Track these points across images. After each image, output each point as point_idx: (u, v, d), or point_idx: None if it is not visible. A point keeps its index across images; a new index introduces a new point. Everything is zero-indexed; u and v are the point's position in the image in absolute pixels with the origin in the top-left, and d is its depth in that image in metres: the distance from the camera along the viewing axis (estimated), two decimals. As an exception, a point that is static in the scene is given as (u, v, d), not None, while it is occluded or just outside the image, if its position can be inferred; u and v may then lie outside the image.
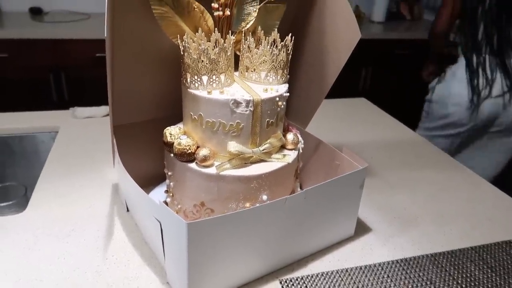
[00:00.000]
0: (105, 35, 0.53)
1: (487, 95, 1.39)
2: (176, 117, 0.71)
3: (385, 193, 0.88)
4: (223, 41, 0.60)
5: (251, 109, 0.59)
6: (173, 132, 0.64)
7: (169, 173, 0.67)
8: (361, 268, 0.67)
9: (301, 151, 0.69)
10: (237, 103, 0.58)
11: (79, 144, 1.00)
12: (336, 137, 1.12)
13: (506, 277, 0.67)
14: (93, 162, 0.93)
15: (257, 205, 0.63)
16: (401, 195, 0.87)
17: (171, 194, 0.68)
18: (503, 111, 1.42)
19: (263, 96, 0.59)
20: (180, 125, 0.69)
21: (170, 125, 0.68)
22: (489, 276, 0.67)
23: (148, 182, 0.80)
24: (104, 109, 1.18)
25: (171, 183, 0.67)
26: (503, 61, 1.37)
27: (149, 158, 0.77)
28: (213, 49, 0.58)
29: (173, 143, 0.62)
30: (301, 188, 0.80)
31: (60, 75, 2.14)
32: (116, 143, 0.69)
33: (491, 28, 1.35)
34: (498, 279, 0.66)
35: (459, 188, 0.92)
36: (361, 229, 0.76)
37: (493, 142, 1.51)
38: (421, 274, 0.66)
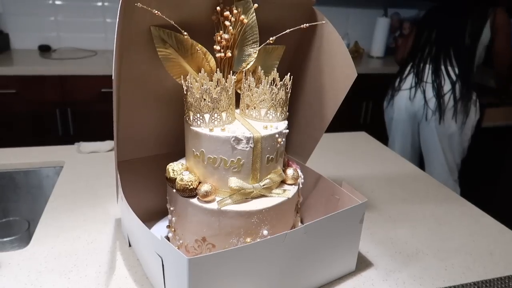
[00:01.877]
0: (113, 75, 0.56)
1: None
2: (179, 154, 0.73)
3: (386, 228, 0.88)
4: (224, 80, 0.63)
5: (252, 145, 0.61)
6: (175, 168, 0.65)
7: (171, 208, 0.68)
8: (362, 304, 0.66)
9: (301, 186, 0.70)
10: (238, 140, 0.60)
11: (83, 179, 1.02)
12: (336, 171, 1.13)
13: (510, 313, 0.66)
14: (97, 197, 0.94)
15: (258, 240, 0.64)
16: (402, 229, 0.88)
17: (173, 229, 0.69)
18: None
19: (263, 133, 0.61)
20: (183, 161, 0.70)
21: (172, 161, 0.70)
22: (493, 312, 0.66)
23: (150, 217, 0.81)
24: (108, 144, 1.20)
25: (173, 218, 0.68)
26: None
27: (151, 193, 0.78)
28: (215, 88, 0.61)
29: (176, 178, 0.64)
30: (301, 222, 0.81)
31: (66, 110, 2.19)
32: (119, 178, 0.71)
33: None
34: (501, 315, 0.66)
35: (460, 222, 0.92)
36: (362, 264, 0.76)
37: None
38: (423, 310, 0.66)
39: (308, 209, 0.83)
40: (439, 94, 1.76)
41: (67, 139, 2.23)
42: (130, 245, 0.77)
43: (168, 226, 0.72)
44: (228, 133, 0.60)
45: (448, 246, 0.83)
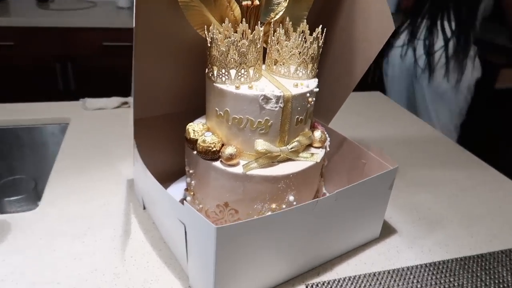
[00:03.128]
0: (134, 26, 0.50)
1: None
2: (196, 112, 0.68)
3: (407, 192, 0.85)
4: (251, 32, 0.56)
5: (281, 105, 0.56)
6: (196, 129, 0.61)
7: (191, 171, 0.64)
8: (389, 272, 0.64)
9: (328, 149, 0.66)
10: (267, 99, 0.55)
11: (91, 137, 0.97)
12: (353, 133, 1.08)
13: (540, 283, 0.64)
14: (106, 156, 0.90)
15: (283, 206, 0.60)
16: (424, 194, 0.85)
17: (192, 193, 0.65)
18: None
19: (294, 92, 0.56)
20: (203, 120, 0.66)
21: (190, 119, 0.65)
22: (522, 282, 0.64)
23: (165, 178, 0.76)
24: (115, 101, 1.14)
25: (193, 182, 0.64)
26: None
27: (167, 154, 0.74)
28: (241, 40, 0.55)
29: (197, 140, 0.59)
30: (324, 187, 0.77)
31: (66, 64, 2.11)
32: (135, 137, 0.66)
33: None
34: (532, 285, 0.64)
35: (483, 187, 0.89)
36: (386, 230, 0.73)
37: None
38: (451, 279, 0.64)
39: (330, 173, 0.79)
40: (429, 52, 1.66)
41: (68, 95, 2.16)
42: (144, 208, 0.73)
43: (186, 189, 0.68)
44: (256, 91, 0.55)
45: (473, 212, 0.80)
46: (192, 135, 0.60)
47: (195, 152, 0.61)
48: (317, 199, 0.55)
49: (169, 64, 0.65)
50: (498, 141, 2.16)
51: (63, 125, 1.05)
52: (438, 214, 0.79)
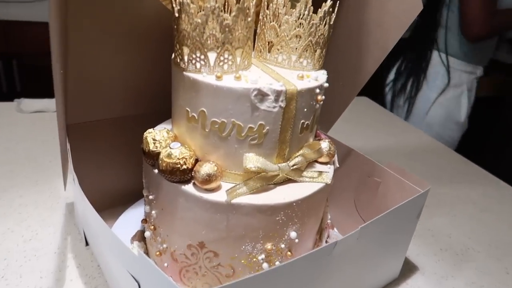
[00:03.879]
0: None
1: None
2: (157, 115, 0.50)
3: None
4: (251, 2, 0.39)
5: (282, 104, 0.39)
6: (158, 137, 0.42)
7: (150, 197, 0.45)
8: (418, 329, 0.48)
9: (337, 165, 0.49)
10: (262, 95, 0.38)
11: (23, 146, 0.76)
12: (346, 143, 0.93)
13: None
14: (41, 170, 0.69)
15: (282, 245, 0.43)
16: (440, 218, 0.70)
17: (152, 227, 0.46)
18: None
19: (300, 86, 0.39)
20: (167, 125, 0.48)
21: (147, 125, 0.46)
22: None
23: (117, 201, 0.58)
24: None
25: (153, 212, 0.45)
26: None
27: (117, 171, 0.55)
28: (222, 10, 0.37)
29: (159, 153, 0.41)
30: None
31: (11, 61, 1.86)
32: (70, 150, 0.48)
33: None
34: None
35: (502, 207, 0.76)
36: (406, 267, 0.57)
37: None
38: (497, 335, 0.49)
39: (332, 193, 0.62)
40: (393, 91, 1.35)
41: (12, 96, 1.91)
42: (87, 244, 0.54)
43: (145, 221, 0.49)
44: (247, 84, 0.38)
45: (501, 239, 0.66)
46: (151, 147, 0.42)
47: (156, 171, 0.42)
48: (336, 240, 0.38)
49: (114, 48, 0.47)
50: (484, 148, 2.10)
51: (-12, 131, 0.83)
52: (461, 243, 0.64)
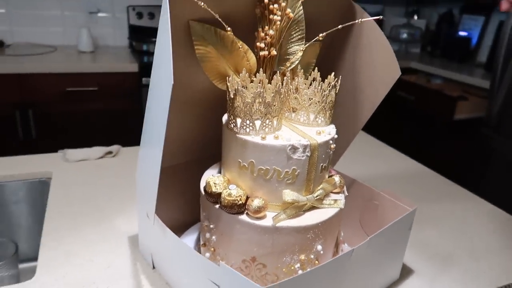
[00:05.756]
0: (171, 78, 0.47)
1: None
2: (200, 162, 0.66)
3: (413, 230, 0.85)
4: (269, 82, 0.56)
5: (308, 154, 0.55)
6: (217, 182, 0.58)
7: (211, 226, 0.60)
8: (417, 316, 0.63)
9: (346, 193, 0.65)
10: (294, 149, 0.54)
11: (78, 191, 0.91)
12: (345, 172, 1.09)
13: (558, 313, 0.66)
14: (100, 211, 0.84)
15: (311, 256, 0.58)
16: (429, 231, 0.86)
17: (212, 249, 0.61)
18: None
19: (319, 140, 0.56)
20: (214, 170, 0.63)
21: (194, 170, 0.63)
22: (542, 313, 0.66)
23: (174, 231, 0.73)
24: (98, 151, 1.09)
25: (213, 237, 0.61)
26: None
27: (175, 205, 0.70)
28: (266, 91, 0.54)
29: (220, 193, 0.57)
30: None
31: (27, 111, 2.00)
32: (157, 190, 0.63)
33: None
34: (551, 316, 0.65)
35: (479, 219, 0.92)
36: (404, 270, 0.72)
37: None
38: (478, 317, 0.64)
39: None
40: None
41: (29, 144, 2.05)
42: (154, 267, 0.68)
43: (204, 245, 0.64)
44: (283, 142, 0.54)
45: (478, 246, 0.82)
46: (214, 189, 0.58)
47: (217, 206, 0.58)
48: (353, 248, 0.54)
49: (176, 113, 0.63)
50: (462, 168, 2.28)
51: (43, 180, 0.98)
52: (447, 250, 0.80)
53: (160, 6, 0.48)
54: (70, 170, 1.00)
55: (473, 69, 2.57)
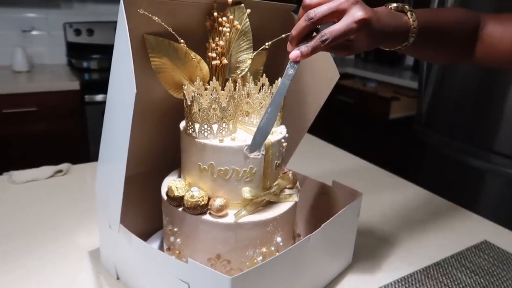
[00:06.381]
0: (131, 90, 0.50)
1: None
2: (157, 170, 0.69)
3: (360, 218, 0.93)
4: (220, 88, 0.61)
5: (263, 153, 0.59)
6: (179, 185, 0.61)
7: (175, 229, 0.63)
8: (371, 294, 0.69)
9: (300, 188, 0.71)
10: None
11: (30, 212, 0.89)
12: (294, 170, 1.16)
13: (488, 277, 0.75)
14: (55, 229, 0.83)
15: (272, 248, 0.63)
16: (375, 218, 0.94)
17: (178, 252, 0.64)
18: None
19: (272, 139, 0.61)
20: (174, 176, 0.66)
21: (153, 178, 0.66)
22: (474, 279, 0.75)
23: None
24: (47, 170, 1.06)
25: (178, 240, 0.63)
26: None
27: (135, 214, 0.71)
28: (221, 97, 0.58)
29: (183, 196, 0.60)
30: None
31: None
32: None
33: None
34: (482, 280, 0.74)
35: (417, 205, 1.02)
36: (355, 254, 0.79)
37: None
38: (422, 289, 0.71)
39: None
40: None
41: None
42: (118, 278, 0.69)
43: (168, 249, 0.66)
44: (240, 142, 0.58)
45: (418, 228, 0.91)
46: (176, 193, 0.60)
47: (180, 209, 0.60)
48: (310, 235, 0.59)
49: (142, 124, 0.65)
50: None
51: (-11, 204, 0.94)
52: (392, 235, 0.88)
53: (99, 22, 0.51)
54: (18, 192, 0.97)
55: (403, 72, 2.79)
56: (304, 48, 0.53)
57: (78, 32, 2.38)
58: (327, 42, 0.51)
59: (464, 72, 1.76)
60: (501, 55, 0.64)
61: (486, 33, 0.65)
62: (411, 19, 0.57)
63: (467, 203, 1.07)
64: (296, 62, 0.54)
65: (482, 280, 0.74)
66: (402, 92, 2.53)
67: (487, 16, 0.66)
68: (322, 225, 0.61)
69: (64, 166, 1.09)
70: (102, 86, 2.08)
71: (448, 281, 0.74)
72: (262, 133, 0.55)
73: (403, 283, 0.72)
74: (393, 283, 0.72)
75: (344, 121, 2.84)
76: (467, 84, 1.75)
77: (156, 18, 0.53)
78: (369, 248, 0.82)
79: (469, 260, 0.80)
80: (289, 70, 0.55)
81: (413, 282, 0.73)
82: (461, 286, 0.73)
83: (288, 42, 0.56)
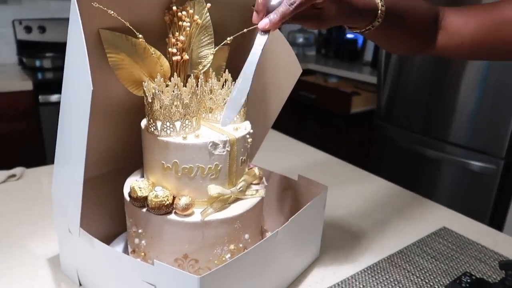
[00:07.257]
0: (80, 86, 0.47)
1: None
2: (118, 172, 0.67)
3: (326, 211, 0.94)
4: (182, 85, 0.59)
5: (228, 149, 0.59)
6: (142, 186, 0.59)
7: (140, 231, 0.61)
8: (338, 285, 0.70)
9: (266, 183, 0.71)
10: (215, 145, 0.57)
11: (-19, 220, 0.83)
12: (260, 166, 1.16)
13: (447, 262, 0.79)
14: (9, 238, 0.78)
15: (240, 245, 0.62)
16: (340, 211, 0.95)
17: (143, 254, 0.62)
18: None
19: (237, 135, 0.60)
20: (136, 176, 0.64)
21: (113, 179, 0.64)
22: (435, 264, 0.78)
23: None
24: (1, 175, 1.00)
25: (142, 242, 0.61)
26: None
27: (94, 219, 0.69)
28: (183, 93, 0.57)
29: (146, 197, 0.58)
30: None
31: None
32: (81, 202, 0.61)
33: None
34: (442, 265, 0.77)
35: (380, 195, 1.04)
36: (322, 248, 0.80)
37: None
38: (387, 276, 0.73)
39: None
40: None
41: None
42: (80, 284, 0.66)
43: (133, 252, 0.64)
44: (204, 139, 0.57)
45: (381, 218, 0.93)
46: (139, 193, 0.58)
47: (144, 210, 0.59)
48: (277, 230, 0.59)
49: (101, 124, 0.62)
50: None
51: None
52: (356, 224, 0.90)
53: (51, 19, 0.48)
54: (-33, 199, 0.91)
55: (362, 67, 2.86)
56: (273, 15, 0.51)
57: (28, 29, 2.27)
58: (295, 4, 0.49)
59: (418, 67, 1.84)
60: (463, 45, 0.66)
61: (448, 23, 0.66)
62: (379, 2, 0.57)
63: (425, 191, 1.11)
64: (265, 31, 0.52)
65: (442, 265, 0.77)
66: (362, 87, 2.59)
67: (444, 8, 0.68)
68: (289, 220, 0.61)
69: (17, 170, 1.03)
70: (57, 85, 1.99)
71: (411, 268, 0.76)
72: (234, 104, 0.54)
73: (369, 272, 0.74)
74: (359, 272, 0.74)
75: (307, 116, 2.88)
76: (422, 79, 1.82)
77: (112, 12, 0.51)
78: (336, 240, 0.84)
79: (429, 246, 0.83)
80: (260, 40, 0.53)
81: (379, 271, 0.74)
82: (423, 271, 0.75)
83: (254, 12, 0.53)
